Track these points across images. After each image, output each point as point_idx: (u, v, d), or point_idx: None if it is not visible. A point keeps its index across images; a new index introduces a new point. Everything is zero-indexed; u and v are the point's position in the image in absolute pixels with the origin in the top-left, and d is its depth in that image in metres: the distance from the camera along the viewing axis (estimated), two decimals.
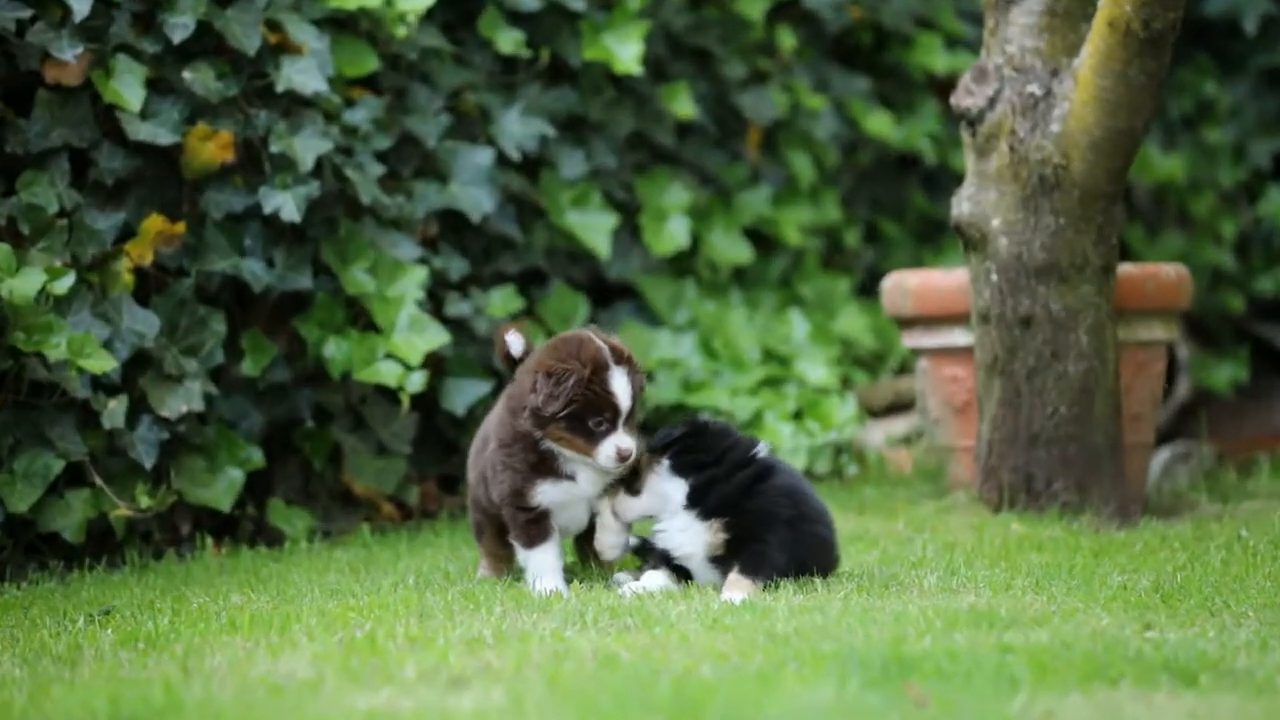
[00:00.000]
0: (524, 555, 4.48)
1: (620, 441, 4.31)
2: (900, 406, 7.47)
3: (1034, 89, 5.89)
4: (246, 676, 3.71)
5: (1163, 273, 6.48)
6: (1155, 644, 3.76)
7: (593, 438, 4.30)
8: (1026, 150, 5.87)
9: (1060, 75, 5.87)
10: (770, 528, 4.51)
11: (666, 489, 4.51)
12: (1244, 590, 4.44)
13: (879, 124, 8.07)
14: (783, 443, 7.03)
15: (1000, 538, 5.38)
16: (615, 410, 4.30)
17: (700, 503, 4.49)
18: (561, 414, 4.28)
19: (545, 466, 4.43)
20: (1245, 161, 8.89)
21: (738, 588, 4.42)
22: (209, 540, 5.71)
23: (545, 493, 4.45)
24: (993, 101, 5.94)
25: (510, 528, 4.49)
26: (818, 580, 4.77)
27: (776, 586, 4.62)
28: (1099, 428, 5.83)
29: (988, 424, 5.97)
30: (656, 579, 4.54)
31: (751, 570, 4.46)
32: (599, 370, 4.29)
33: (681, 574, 4.58)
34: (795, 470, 4.75)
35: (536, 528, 4.49)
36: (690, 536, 4.54)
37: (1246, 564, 4.83)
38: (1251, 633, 3.92)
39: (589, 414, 4.29)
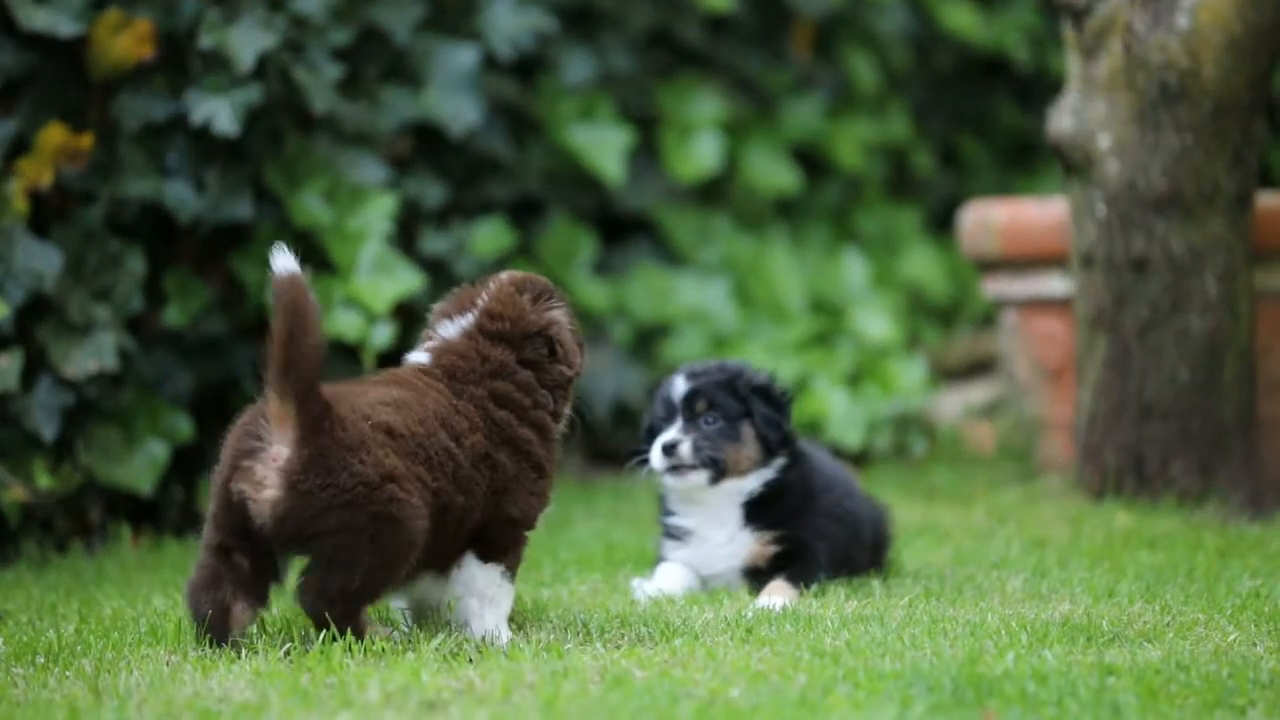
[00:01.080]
0: (503, 587, 4.21)
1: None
2: (980, 369, 7.56)
3: None
4: (171, 699, 3.72)
5: None
6: None
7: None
8: (1146, 50, 5.92)
9: None
10: (821, 537, 4.64)
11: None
12: None
13: (960, 18, 8.13)
14: (835, 412, 7.08)
15: (1103, 532, 5.41)
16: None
17: (758, 515, 4.63)
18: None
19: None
20: None
21: (779, 593, 4.47)
22: (125, 530, 5.75)
23: None
24: None
25: (508, 553, 4.22)
26: (875, 582, 4.81)
27: (824, 591, 4.67)
28: (1228, 397, 5.87)
29: (1090, 392, 6.01)
30: (676, 576, 4.60)
31: (796, 578, 4.54)
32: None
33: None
34: (829, 459, 4.91)
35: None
36: (735, 550, 4.66)
37: None
38: None
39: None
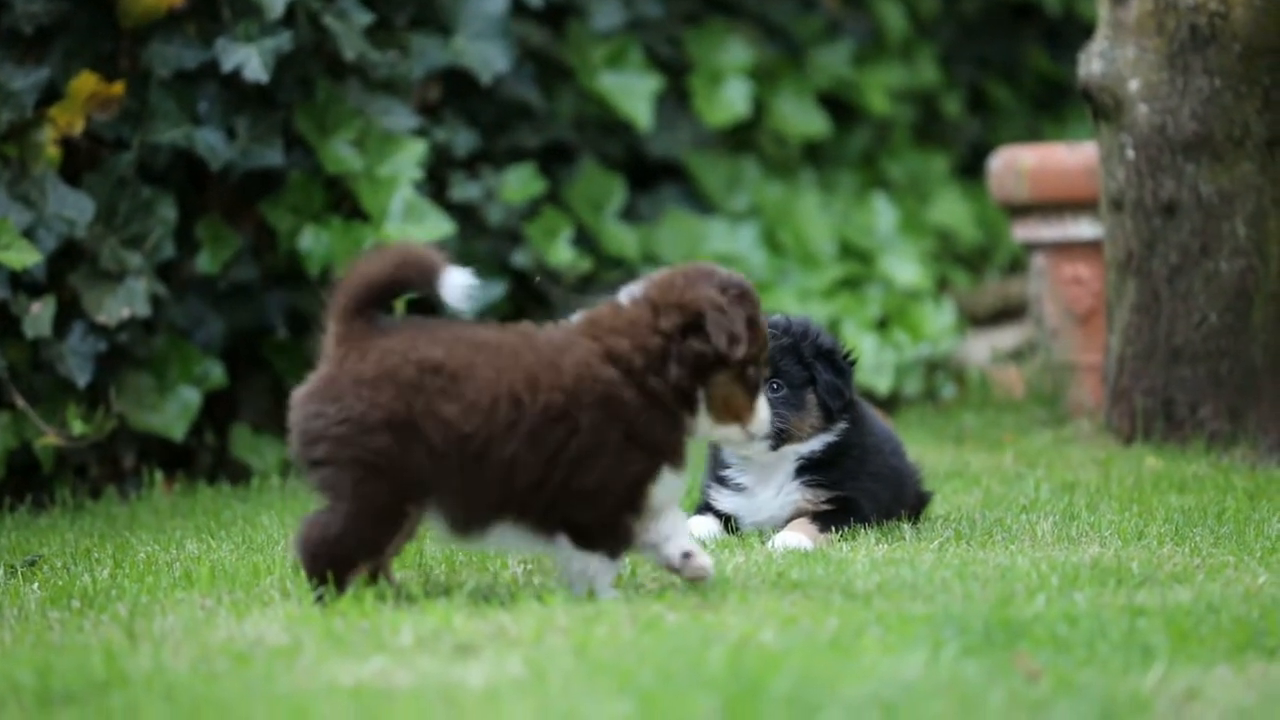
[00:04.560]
0: (601, 564, 3.88)
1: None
2: (1009, 314, 7.58)
3: None
4: (206, 643, 3.72)
5: None
6: None
7: (753, 393, 3.82)
8: None
9: None
10: (870, 497, 4.65)
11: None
12: None
13: None
14: (864, 358, 7.07)
15: (1133, 475, 5.41)
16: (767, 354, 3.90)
17: (811, 473, 4.59)
18: (741, 358, 3.76)
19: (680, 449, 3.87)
20: None
21: (802, 530, 4.47)
22: (158, 475, 5.81)
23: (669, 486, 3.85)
24: None
25: (599, 539, 3.86)
26: (905, 527, 4.82)
27: (854, 535, 4.69)
28: (1257, 340, 5.85)
29: (1119, 336, 6.02)
30: (706, 525, 4.59)
31: (828, 524, 4.55)
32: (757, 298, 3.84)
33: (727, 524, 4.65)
34: (879, 417, 4.86)
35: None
36: (784, 503, 4.64)
37: None
38: None
39: (757, 360, 3.81)
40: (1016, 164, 6.74)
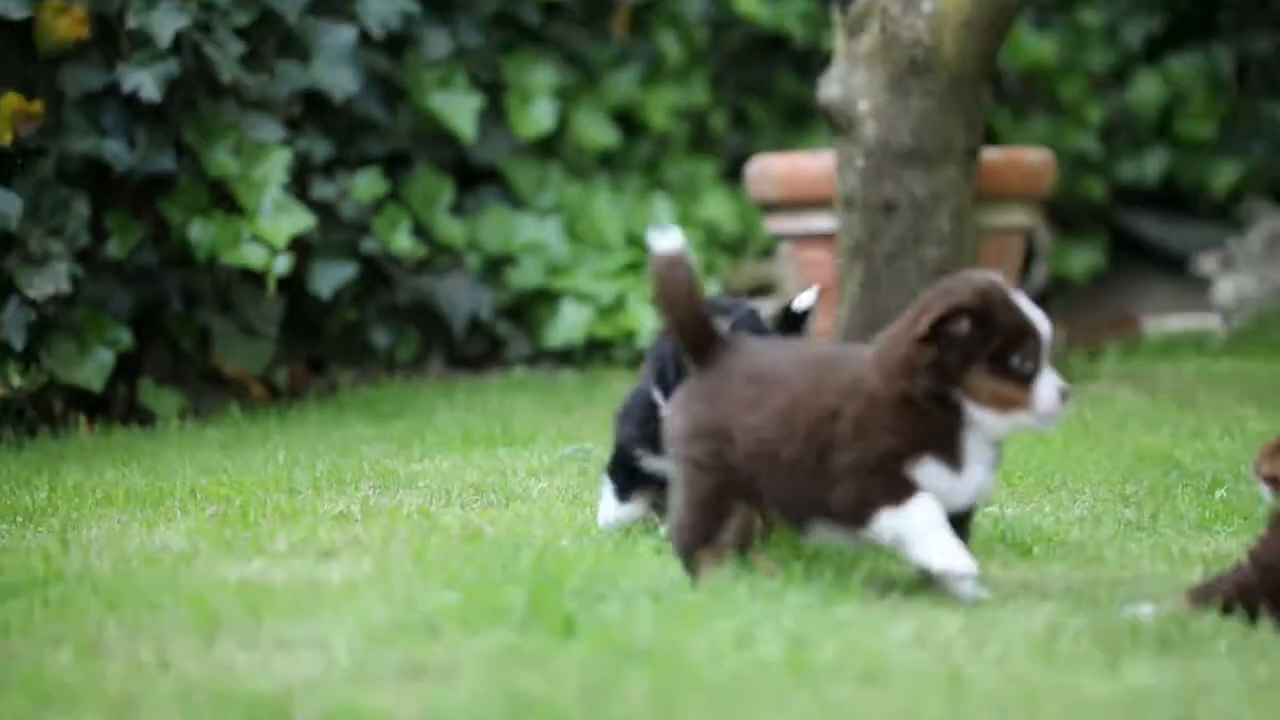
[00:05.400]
0: (907, 526, 3.30)
1: (1056, 380, 3.31)
2: (763, 290, 7.55)
3: None
4: (123, 548, 3.81)
5: (1027, 158, 6.64)
6: (993, 519, 3.90)
7: (1023, 381, 3.27)
8: (898, 30, 5.87)
9: None
10: None
11: None
12: (1082, 469, 4.57)
13: (749, 3, 8.07)
14: (644, 325, 7.22)
15: None
16: (1039, 340, 3.30)
17: None
18: (984, 354, 3.28)
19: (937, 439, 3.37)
20: (1117, 43, 8.86)
21: None
22: (82, 419, 5.85)
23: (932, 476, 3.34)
24: None
25: (871, 503, 3.33)
26: None
27: None
28: None
29: (847, 308, 6.06)
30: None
31: None
32: (1005, 294, 3.32)
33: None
34: None
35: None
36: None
37: (1087, 444, 4.95)
38: (1085, 509, 4.11)
39: (1011, 351, 3.28)
40: (769, 170, 6.71)
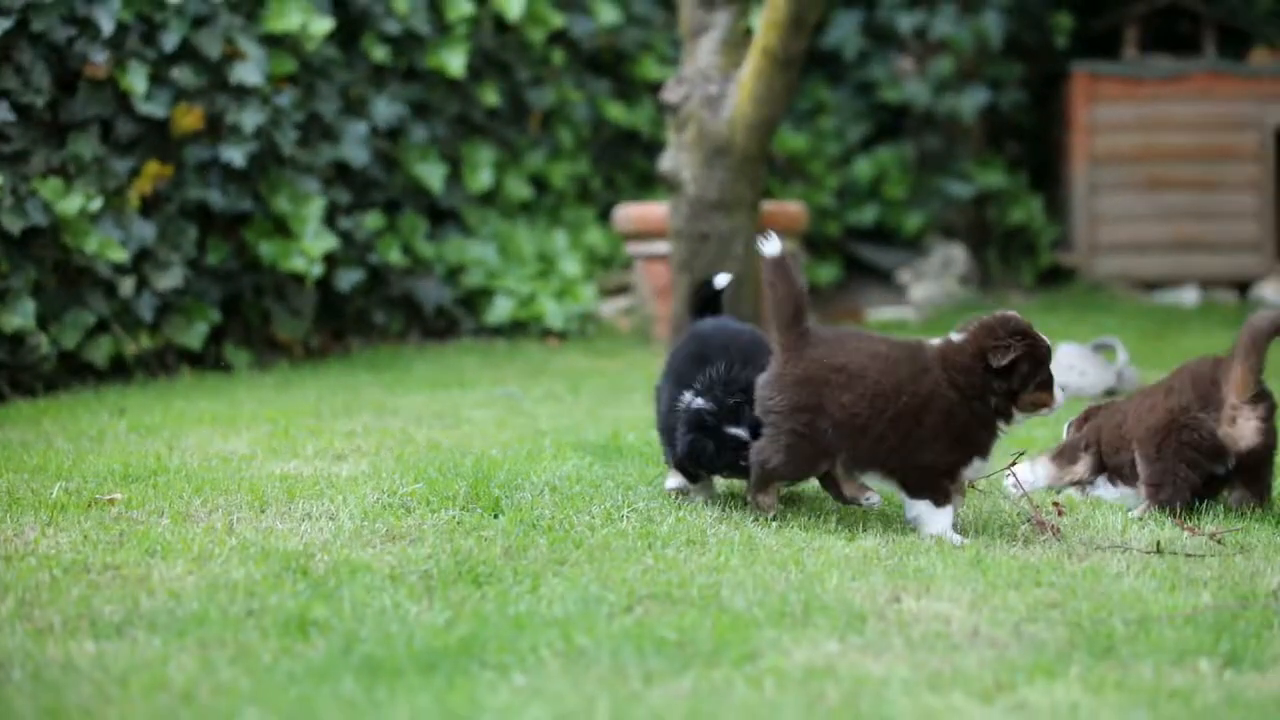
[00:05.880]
0: (927, 509, 3.12)
1: (1059, 380, 3.12)
2: (623, 290, 7.48)
3: (713, 90, 5.99)
4: (207, 452, 3.74)
5: (790, 208, 6.83)
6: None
7: (1049, 388, 3.08)
8: (708, 128, 5.90)
9: (730, 81, 5.99)
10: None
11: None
12: None
13: (616, 111, 8.03)
14: (549, 313, 7.07)
15: None
16: (1052, 356, 3.12)
17: None
18: (1032, 376, 3.08)
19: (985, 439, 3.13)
20: (844, 140, 8.96)
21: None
22: (186, 368, 5.77)
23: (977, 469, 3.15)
24: (687, 97, 6.06)
25: (925, 490, 3.12)
26: (565, 393, 4.87)
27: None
28: (746, 304, 5.92)
29: (676, 303, 6.14)
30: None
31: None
32: (1034, 329, 3.11)
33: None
34: None
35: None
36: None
37: None
38: None
39: (1039, 370, 3.09)
40: (628, 214, 6.80)
